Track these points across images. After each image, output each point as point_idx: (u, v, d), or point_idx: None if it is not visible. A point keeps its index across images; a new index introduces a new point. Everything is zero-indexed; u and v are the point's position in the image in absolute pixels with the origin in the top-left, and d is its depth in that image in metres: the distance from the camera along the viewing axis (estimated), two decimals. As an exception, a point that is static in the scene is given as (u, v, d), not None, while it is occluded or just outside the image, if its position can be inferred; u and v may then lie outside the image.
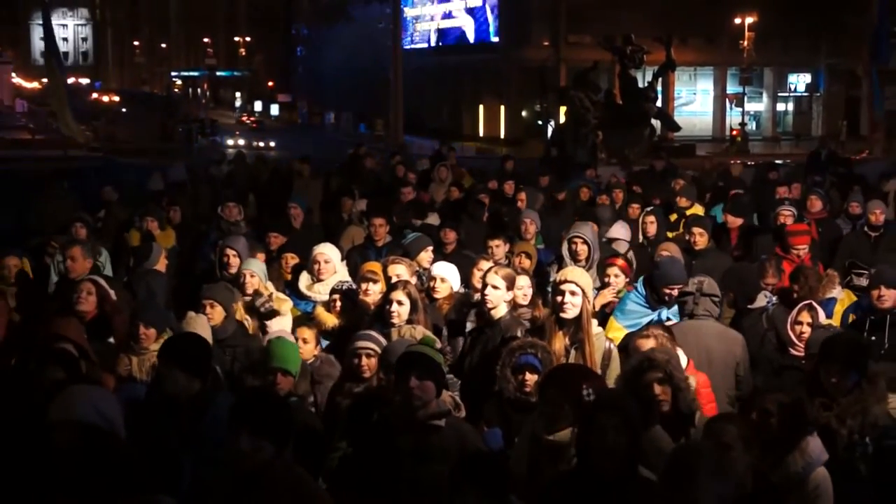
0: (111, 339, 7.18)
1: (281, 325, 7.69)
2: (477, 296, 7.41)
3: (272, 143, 53.07)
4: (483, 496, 4.36)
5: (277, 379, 5.93)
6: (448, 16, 65.24)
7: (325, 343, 7.41)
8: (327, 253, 8.45)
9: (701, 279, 7.33)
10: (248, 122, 73.59)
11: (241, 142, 52.17)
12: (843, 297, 8.54)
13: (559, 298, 6.38)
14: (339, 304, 7.59)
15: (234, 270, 8.63)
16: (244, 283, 8.07)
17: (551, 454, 4.99)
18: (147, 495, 3.68)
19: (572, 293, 6.36)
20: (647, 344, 6.17)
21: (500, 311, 6.86)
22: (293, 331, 7.16)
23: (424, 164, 20.40)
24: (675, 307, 7.45)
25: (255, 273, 8.16)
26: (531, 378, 5.70)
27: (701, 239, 10.02)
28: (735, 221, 11.31)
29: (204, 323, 6.92)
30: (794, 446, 5.04)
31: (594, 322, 6.58)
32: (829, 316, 7.72)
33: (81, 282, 7.61)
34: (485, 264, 8.06)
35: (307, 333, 6.94)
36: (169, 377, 5.36)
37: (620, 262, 8.52)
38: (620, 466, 4.30)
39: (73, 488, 4.13)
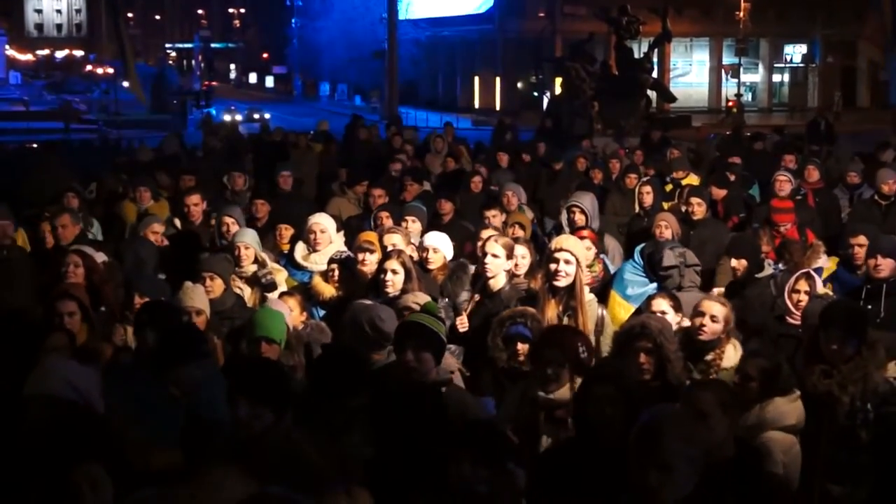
0: (102, 309, 7.12)
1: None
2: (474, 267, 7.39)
3: (267, 115, 52.80)
4: (479, 464, 4.36)
5: (262, 348, 5.84)
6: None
7: (322, 313, 7.40)
8: (323, 223, 8.39)
9: (681, 251, 7.30)
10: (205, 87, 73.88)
11: (239, 116, 51.83)
12: (829, 266, 8.53)
13: (553, 266, 6.36)
14: (337, 273, 7.57)
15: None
16: (239, 255, 8.04)
17: (549, 411, 4.99)
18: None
19: (567, 262, 6.34)
20: (661, 305, 6.21)
21: (500, 281, 6.85)
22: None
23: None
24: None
25: (250, 244, 8.12)
26: (522, 347, 5.72)
27: (699, 209, 10.03)
28: (719, 193, 11.31)
29: (201, 293, 6.85)
30: (757, 404, 5.19)
31: (586, 289, 6.56)
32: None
33: (68, 254, 7.53)
34: (488, 234, 8.04)
35: (291, 301, 6.89)
36: (144, 344, 5.35)
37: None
38: (619, 436, 4.30)
39: (47, 462, 4.09)
